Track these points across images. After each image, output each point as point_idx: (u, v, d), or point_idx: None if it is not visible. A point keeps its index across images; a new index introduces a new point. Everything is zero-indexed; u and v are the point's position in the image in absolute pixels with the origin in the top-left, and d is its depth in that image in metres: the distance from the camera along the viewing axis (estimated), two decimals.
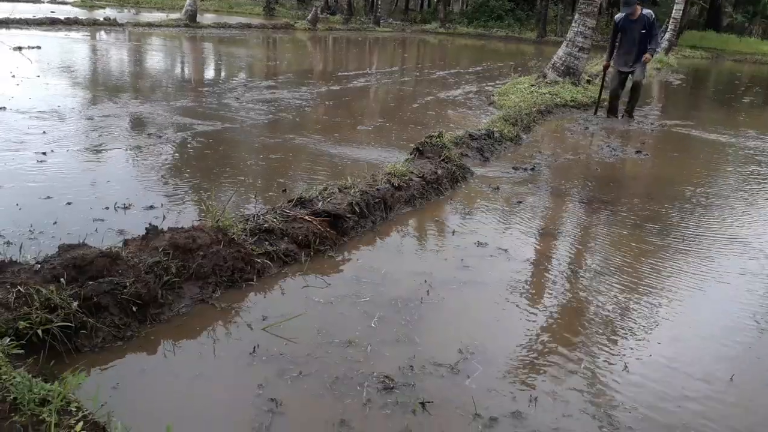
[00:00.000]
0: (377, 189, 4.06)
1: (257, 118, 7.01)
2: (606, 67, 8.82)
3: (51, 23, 16.94)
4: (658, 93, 14.01)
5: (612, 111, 8.68)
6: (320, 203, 3.67)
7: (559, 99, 9.27)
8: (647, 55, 8.06)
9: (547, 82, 10.47)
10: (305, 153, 5.62)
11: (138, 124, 6.37)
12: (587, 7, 10.44)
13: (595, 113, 8.88)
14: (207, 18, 24.18)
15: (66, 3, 26.77)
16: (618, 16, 8.21)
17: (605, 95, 8.91)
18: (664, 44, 22.74)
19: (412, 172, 4.54)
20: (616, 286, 3.31)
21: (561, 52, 11.09)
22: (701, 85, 17.34)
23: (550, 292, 3.21)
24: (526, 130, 7.23)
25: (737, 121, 10.41)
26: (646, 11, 8.01)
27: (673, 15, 22.95)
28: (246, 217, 3.44)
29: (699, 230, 4.35)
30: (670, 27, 23.20)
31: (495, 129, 6.49)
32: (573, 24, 10.87)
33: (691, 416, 2.27)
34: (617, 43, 8.33)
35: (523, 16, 36.27)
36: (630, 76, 8.35)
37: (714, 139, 8.08)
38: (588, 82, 11.57)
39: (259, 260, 3.11)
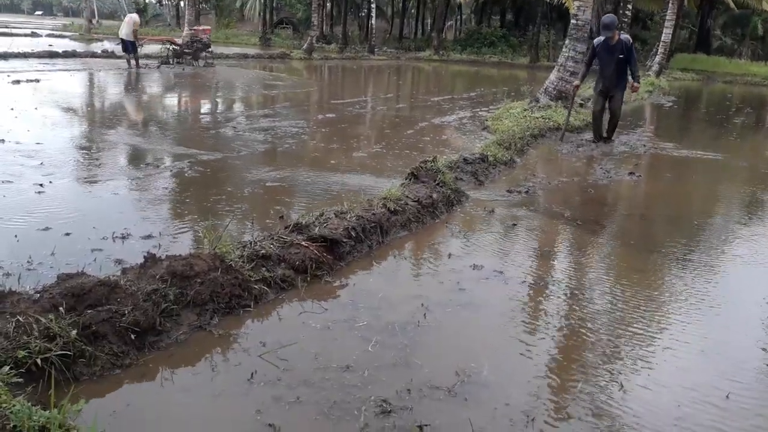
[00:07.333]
0: (373, 213, 4.10)
1: (254, 147, 7.08)
2: (576, 88, 8.87)
3: (49, 56, 17.18)
4: (651, 115, 14.18)
5: (596, 135, 8.61)
6: (317, 228, 3.69)
7: (551, 123, 9.35)
8: (636, 85, 8.15)
9: (539, 107, 10.60)
10: (302, 180, 5.67)
11: (135, 154, 6.44)
12: (577, 33, 10.65)
13: (561, 139, 8.57)
14: None
15: (65, 36, 27.13)
16: (597, 40, 8.13)
17: (577, 121, 8.75)
18: (655, 67, 23.12)
19: (407, 197, 4.58)
20: (612, 306, 3.33)
21: (553, 76, 11.26)
22: (692, 106, 17.54)
23: (546, 313, 3.23)
24: (519, 154, 7.31)
25: (728, 141, 10.52)
26: (624, 36, 8.01)
27: (662, 39, 23.38)
28: (243, 244, 3.45)
29: (692, 250, 4.38)
30: (660, 50, 23.61)
31: (489, 153, 6.56)
32: (564, 49, 11.07)
33: None
34: (597, 67, 8.29)
35: (515, 42, 36.83)
36: (609, 101, 8.34)
37: (705, 160, 8.17)
38: (581, 105, 11.73)
39: (256, 286, 3.13)
